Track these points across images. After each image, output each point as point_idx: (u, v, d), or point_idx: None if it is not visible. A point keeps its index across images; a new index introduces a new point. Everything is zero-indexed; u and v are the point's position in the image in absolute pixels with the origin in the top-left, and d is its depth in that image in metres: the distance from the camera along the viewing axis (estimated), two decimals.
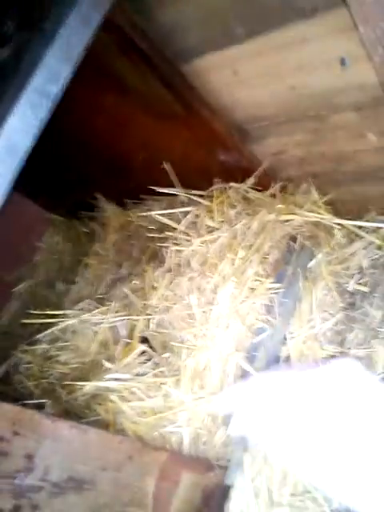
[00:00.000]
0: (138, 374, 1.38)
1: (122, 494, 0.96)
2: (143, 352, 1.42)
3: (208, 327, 1.37)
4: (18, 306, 2.27)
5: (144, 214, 1.70)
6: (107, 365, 1.42)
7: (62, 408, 1.47)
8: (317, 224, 1.54)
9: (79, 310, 1.72)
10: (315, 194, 1.52)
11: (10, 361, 1.72)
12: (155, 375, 1.35)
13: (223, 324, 1.37)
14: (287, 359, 1.46)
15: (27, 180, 2.06)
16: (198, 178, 1.61)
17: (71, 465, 0.87)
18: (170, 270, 1.54)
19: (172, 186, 1.65)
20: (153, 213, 1.63)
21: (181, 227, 1.56)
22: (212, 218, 1.52)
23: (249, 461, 1.22)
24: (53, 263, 2.44)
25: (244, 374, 1.35)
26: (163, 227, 1.67)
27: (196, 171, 1.60)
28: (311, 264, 1.54)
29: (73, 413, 1.46)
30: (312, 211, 1.50)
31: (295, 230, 1.53)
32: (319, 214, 1.52)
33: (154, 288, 1.51)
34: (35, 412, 0.83)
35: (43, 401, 1.43)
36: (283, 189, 1.53)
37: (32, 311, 1.82)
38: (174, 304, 1.44)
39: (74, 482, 0.86)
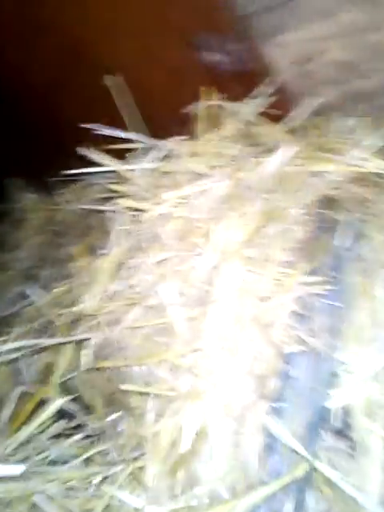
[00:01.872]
0: (51, 461, 0.61)
1: None
2: (63, 414, 0.66)
3: (202, 348, 0.65)
4: None
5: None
6: None
7: None
8: (364, 179, 0.90)
9: None
10: (364, 132, 0.96)
11: None
12: (92, 461, 0.59)
13: (231, 339, 0.66)
14: (346, 415, 0.73)
15: None
16: (164, 102, 0.97)
17: None
18: (124, 255, 0.83)
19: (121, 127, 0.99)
20: (98, 169, 0.94)
21: (140, 181, 0.88)
22: (198, 160, 0.86)
23: None
24: None
25: (272, 449, 0.62)
26: (113, 192, 0.98)
27: (160, 88, 0.97)
28: (364, 248, 0.88)
29: None
30: (359, 159, 0.91)
31: (332, 188, 0.90)
32: (369, 162, 0.91)
33: (96, 285, 0.79)
34: None
35: None
36: (311, 122, 0.88)
37: None
38: (134, 307, 0.71)
39: None
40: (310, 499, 0.56)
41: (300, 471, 0.54)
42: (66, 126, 1.17)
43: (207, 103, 0.92)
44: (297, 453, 0.57)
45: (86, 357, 0.71)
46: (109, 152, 1.03)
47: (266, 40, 0.93)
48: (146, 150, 0.93)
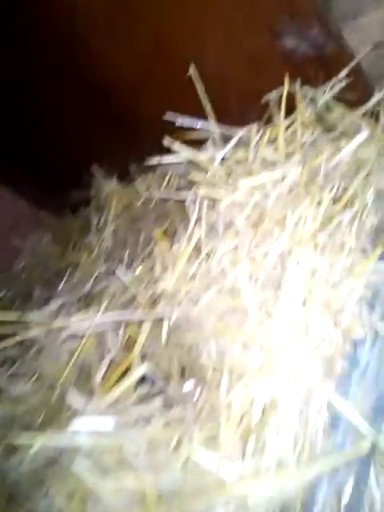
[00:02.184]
0: (134, 421, 0.70)
1: None
2: (144, 379, 0.74)
3: (273, 329, 0.70)
4: None
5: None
6: (76, 403, 0.74)
7: None
8: None
9: (50, 317, 1.06)
10: None
11: None
12: (169, 424, 0.66)
13: (301, 321, 0.70)
14: None
15: (11, 171, 1.53)
16: (242, 90, 0.99)
17: None
18: (200, 241, 0.89)
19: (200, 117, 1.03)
20: (176, 159, 1.00)
21: (216, 169, 0.92)
22: (273, 148, 0.89)
23: None
24: (36, 269, 1.84)
25: (336, 426, 0.65)
26: (187, 185, 1.04)
27: (239, 76, 0.99)
28: None
29: (12, 495, 0.77)
30: None
31: None
32: None
33: (174, 267, 0.86)
34: None
35: None
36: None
37: None
38: (209, 289, 0.77)
39: None
40: (373, 476, 0.59)
41: (363, 448, 0.57)
42: (148, 116, 1.23)
43: (284, 89, 0.93)
44: (360, 431, 0.60)
45: (165, 331, 0.78)
46: (187, 142, 1.08)
47: (345, 24, 0.91)
48: (224, 139, 0.97)
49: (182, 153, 1.04)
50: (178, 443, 0.65)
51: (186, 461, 0.61)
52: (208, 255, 0.86)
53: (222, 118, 1.05)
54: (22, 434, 0.81)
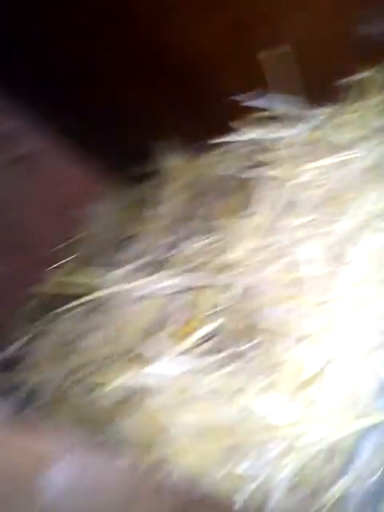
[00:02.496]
0: (199, 371, 0.80)
1: None
2: (212, 337, 0.84)
3: (331, 301, 0.76)
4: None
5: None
6: (149, 353, 0.85)
7: (74, 416, 0.92)
8: None
9: (121, 280, 1.18)
10: None
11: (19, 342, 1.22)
12: (230, 375, 0.76)
13: (359, 296, 0.76)
14: None
15: (78, 141, 1.63)
16: (316, 74, 1.03)
17: None
18: (264, 218, 0.96)
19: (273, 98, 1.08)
20: (244, 138, 1.07)
21: (283, 150, 0.98)
22: (342, 131, 0.93)
23: None
24: (103, 237, 1.97)
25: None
26: (256, 159, 1.10)
27: (313, 61, 1.02)
28: None
29: (89, 425, 0.90)
30: None
31: None
32: None
33: (239, 240, 0.94)
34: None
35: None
36: None
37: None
38: (273, 262, 0.85)
39: None
40: None
41: None
42: (221, 96, 1.29)
43: (358, 75, 0.96)
44: None
45: (232, 295, 0.87)
46: (258, 121, 1.14)
47: None
48: (294, 121, 1.02)
49: (250, 131, 1.10)
50: (237, 391, 0.74)
51: (244, 406, 0.70)
52: (271, 232, 0.93)
53: (295, 100, 1.10)
54: (98, 374, 0.94)
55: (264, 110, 1.13)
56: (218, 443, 0.69)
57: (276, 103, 1.09)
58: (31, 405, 1.02)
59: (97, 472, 0.59)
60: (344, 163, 0.90)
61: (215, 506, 0.63)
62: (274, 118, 1.12)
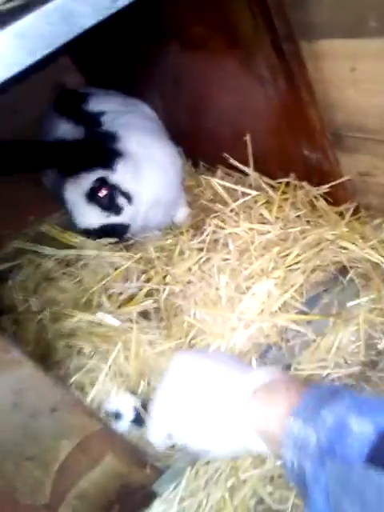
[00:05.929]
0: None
1: (27, 445, 0.83)
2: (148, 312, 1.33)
3: (232, 314, 1.24)
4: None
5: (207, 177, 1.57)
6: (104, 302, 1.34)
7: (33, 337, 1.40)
8: (375, 266, 1.36)
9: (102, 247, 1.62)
10: None
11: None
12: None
13: (247, 318, 1.24)
14: None
15: None
16: (275, 164, 1.47)
17: None
18: (205, 242, 1.42)
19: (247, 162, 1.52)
20: (214, 180, 1.51)
21: (233, 206, 1.43)
22: (270, 210, 1.39)
23: (189, 478, 1.08)
24: None
25: None
26: (218, 200, 1.55)
27: (275, 155, 1.46)
28: (351, 304, 1.37)
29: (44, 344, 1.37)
30: (375, 250, 1.31)
31: (350, 262, 1.36)
32: (382, 256, 1.35)
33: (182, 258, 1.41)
34: None
35: None
36: (355, 213, 1.36)
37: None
38: (198, 280, 1.33)
39: None
40: None
41: None
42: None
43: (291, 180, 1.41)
44: None
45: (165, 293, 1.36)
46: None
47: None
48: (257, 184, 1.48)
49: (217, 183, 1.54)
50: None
51: None
52: (207, 259, 1.40)
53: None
54: (65, 310, 1.42)
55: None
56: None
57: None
58: None
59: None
60: (264, 232, 1.36)
61: None
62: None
